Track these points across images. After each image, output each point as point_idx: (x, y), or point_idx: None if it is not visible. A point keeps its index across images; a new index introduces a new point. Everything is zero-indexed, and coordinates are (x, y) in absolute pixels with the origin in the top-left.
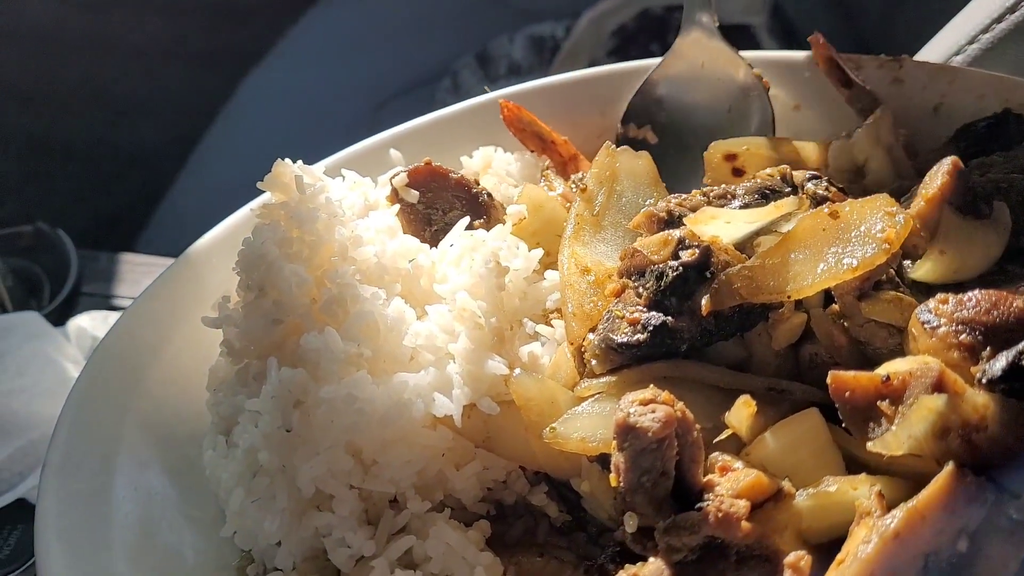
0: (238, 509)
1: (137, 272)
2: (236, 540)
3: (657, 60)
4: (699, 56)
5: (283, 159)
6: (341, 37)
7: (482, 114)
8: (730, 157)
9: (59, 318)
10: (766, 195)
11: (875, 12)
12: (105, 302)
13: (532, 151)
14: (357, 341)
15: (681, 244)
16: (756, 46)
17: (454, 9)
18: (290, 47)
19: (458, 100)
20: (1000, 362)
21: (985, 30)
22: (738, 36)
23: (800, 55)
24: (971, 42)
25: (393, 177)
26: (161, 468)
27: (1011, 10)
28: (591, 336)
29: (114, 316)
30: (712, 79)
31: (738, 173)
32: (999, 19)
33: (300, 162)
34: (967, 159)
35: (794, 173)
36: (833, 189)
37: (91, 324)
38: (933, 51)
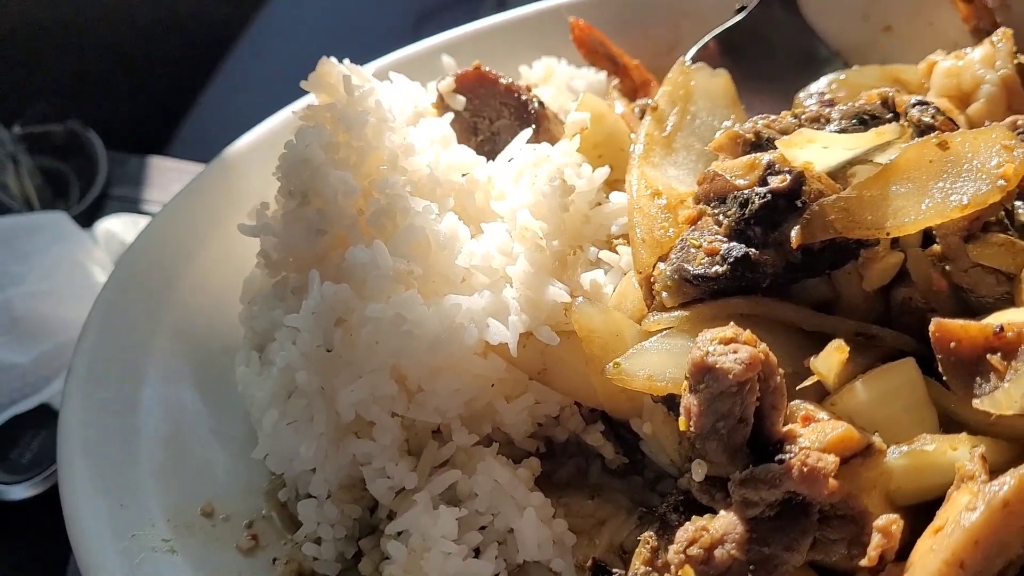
0: (272, 431)
1: (167, 176)
2: (268, 463)
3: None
4: (776, 30)
5: (328, 57)
6: None
7: (546, 23)
8: (820, 95)
9: (87, 220)
10: (865, 120)
11: None
12: (134, 206)
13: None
14: (407, 257)
15: (770, 168)
16: None
17: None
18: None
19: None
20: None
21: None
22: None
23: None
24: None
25: (439, 82)
26: (191, 381)
27: None
28: (662, 265)
29: (144, 220)
30: (788, 53)
31: (829, 104)
32: None
33: (347, 61)
34: None
35: (897, 98)
36: (941, 117)
37: (120, 227)
38: None
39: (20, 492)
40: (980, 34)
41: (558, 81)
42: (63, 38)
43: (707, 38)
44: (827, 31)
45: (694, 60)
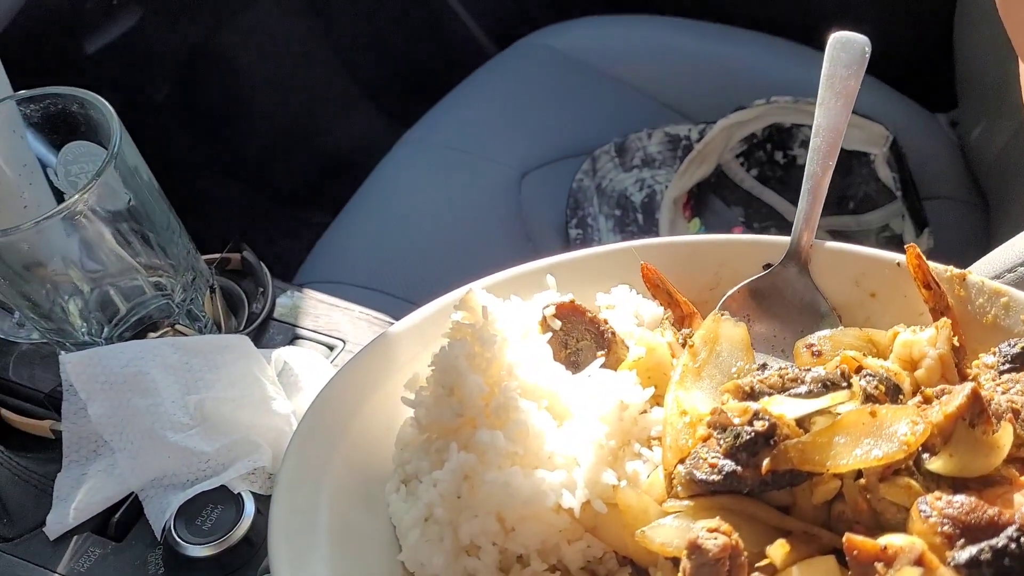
0: (414, 544)
1: (317, 308)
2: (407, 563)
3: (755, 276)
4: (789, 286)
5: (474, 289)
6: (493, 106)
7: (622, 258)
8: (810, 346)
9: (254, 340)
10: (827, 386)
11: (990, 155)
12: (291, 331)
13: (659, 303)
14: (514, 442)
15: (756, 415)
16: (872, 172)
17: (601, 96)
18: (446, 110)
19: (594, 182)
20: (966, 553)
21: None
22: (856, 161)
23: (886, 254)
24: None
25: (545, 308)
26: (355, 498)
27: None
28: (680, 467)
29: (307, 352)
30: (797, 305)
31: (817, 354)
32: None
33: (479, 286)
34: (1002, 373)
35: (853, 369)
36: (882, 388)
37: (289, 356)
38: (989, 266)
39: (200, 551)
40: (936, 314)
41: (627, 308)
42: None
43: (738, 287)
44: (827, 291)
45: (727, 303)
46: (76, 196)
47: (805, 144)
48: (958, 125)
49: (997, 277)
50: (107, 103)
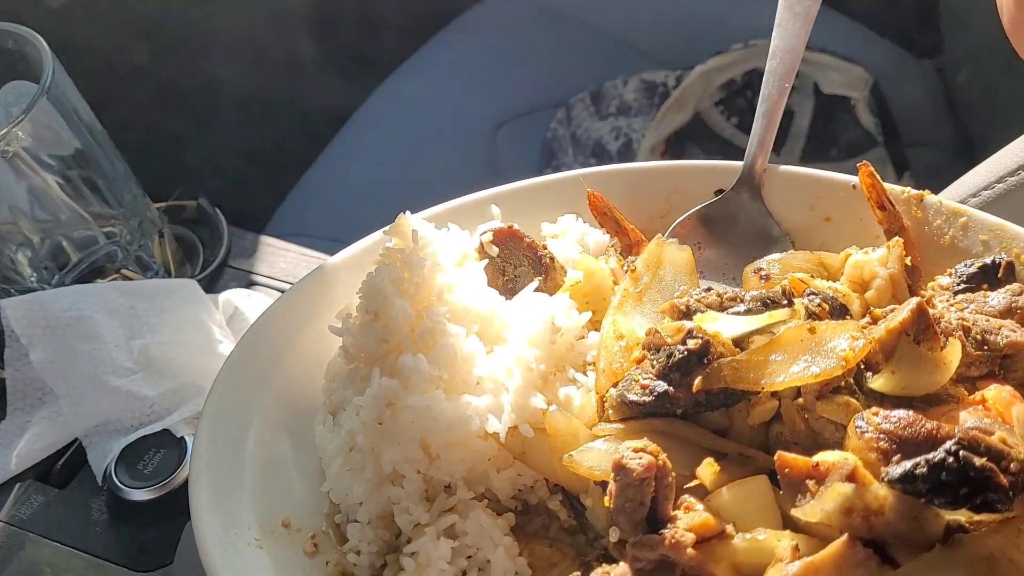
0: (336, 473)
1: (274, 254)
2: (331, 495)
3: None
4: (742, 211)
5: (405, 212)
6: (468, 59)
7: (571, 186)
8: (759, 270)
9: (207, 285)
10: (767, 304)
11: (975, 98)
12: (245, 277)
13: (607, 232)
14: (439, 366)
15: (689, 334)
16: (854, 117)
17: (577, 45)
18: (421, 63)
19: (569, 131)
20: (900, 468)
21: (1000, 180)
22: (838, 107)
23: (841, 176)
24: (987, 188)
25: (483, 235)
26: (285, 431)
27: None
28: (612, 391)
29: (255, 294)
30: (749, 231)
31: (765, 278)
32: (1013, 172)
33: (420, 217)
34: (957, 294)
35: (795, 288)
36: (825, 307)
37: (237, 298)
38: (956, 191)
39: (141, 495)
40: (890, 236)
41: (573, 236)
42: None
43: (688, 213)
44: (781, 216)
45: (677, 230)
46: (8, 128)
47: None
48: (943, 71)
49: (987, 188)
50: (41, 39)
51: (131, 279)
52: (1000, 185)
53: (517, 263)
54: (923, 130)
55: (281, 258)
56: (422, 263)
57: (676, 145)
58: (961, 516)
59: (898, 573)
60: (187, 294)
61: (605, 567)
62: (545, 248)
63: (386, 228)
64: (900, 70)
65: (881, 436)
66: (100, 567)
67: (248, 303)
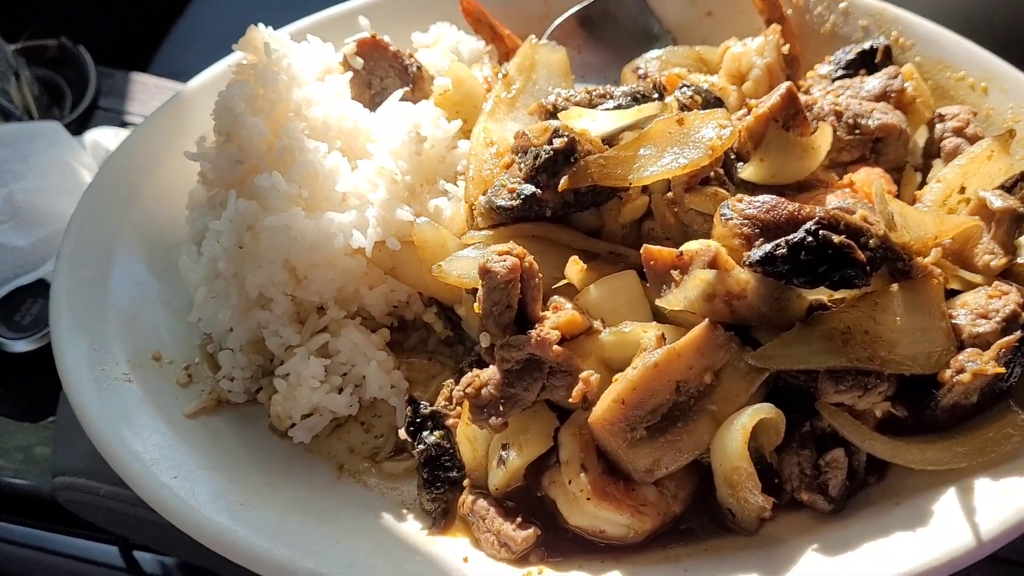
0: (202, 302)
1: (148, 92)
2: (200, 325)
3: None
4: (622, 10)
5: (256, 24)
6: None
7: None
8: (636, 68)
9: (77, 128)
10: (637, 99)
11: None
12: (118, 117)
13: (482, 39)
14: (298, 184)
15: (555, 133)
16: None
17: None
18: None
19: None
20: (760, 251)
21: None
22: None
23: None
24: None
25: (344, 46)
26: (148, 264)
27: None
28: (481, 198)
29: (124, 132)
30: (630, 30)
31: (643, 76)
32: None
33: (270, 28)
34: (835, 80)
35: (668, 83)
36: (698, 99)
37: (104, 138)
38: None
39: (21, 346)
40: (769, 24)
41: (446, 44)
42: None
43: (568, 14)
44: (662, 12)
45: (555, 33)
46: None
47: None
48: None
49: None
50: None
51: None
52: None
53: (383, 75)
54: None
55: (155, 96)
56: (276, 77)
57: None
58: (823, 295)
59: (758, 351)
60: (51, 137)
61: (476, 371)
62: (412, 57)
63: (237, 42)
64: None
65: (744, 222)
66: None
67: (115, 140)
